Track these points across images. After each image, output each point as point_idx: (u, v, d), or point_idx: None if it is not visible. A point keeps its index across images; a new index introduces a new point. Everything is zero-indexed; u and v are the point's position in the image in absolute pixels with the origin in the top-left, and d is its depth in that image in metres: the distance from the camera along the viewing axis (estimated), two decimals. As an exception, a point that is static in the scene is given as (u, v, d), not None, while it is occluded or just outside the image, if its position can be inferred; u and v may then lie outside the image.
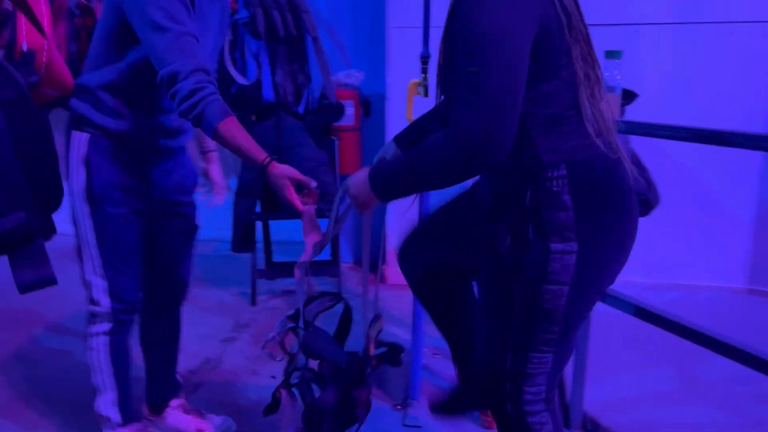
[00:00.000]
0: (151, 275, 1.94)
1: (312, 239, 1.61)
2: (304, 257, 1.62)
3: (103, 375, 1.84)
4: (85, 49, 2.97)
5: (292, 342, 1.65)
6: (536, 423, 1.38)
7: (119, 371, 1.86)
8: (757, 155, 3.15)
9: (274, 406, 1.69)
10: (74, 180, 1.72)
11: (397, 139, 1.67)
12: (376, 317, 1.69)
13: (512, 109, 1.14)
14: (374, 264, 2.15)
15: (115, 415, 1.87)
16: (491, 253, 1.37)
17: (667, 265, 3.36)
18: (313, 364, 1.67)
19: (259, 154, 1.55)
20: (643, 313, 1.83)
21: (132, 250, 1.81)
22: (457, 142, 1.16)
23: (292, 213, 1.62)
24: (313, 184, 1.57)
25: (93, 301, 1.79)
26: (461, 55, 1.16)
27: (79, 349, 2.72)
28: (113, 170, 1.72)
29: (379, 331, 1.69)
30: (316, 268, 3.55)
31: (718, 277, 3.33)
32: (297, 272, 1.63)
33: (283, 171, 1.55)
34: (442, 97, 1.43)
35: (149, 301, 1.98)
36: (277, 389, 1.67)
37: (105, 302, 1.78)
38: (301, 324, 1.64)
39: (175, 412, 2.10)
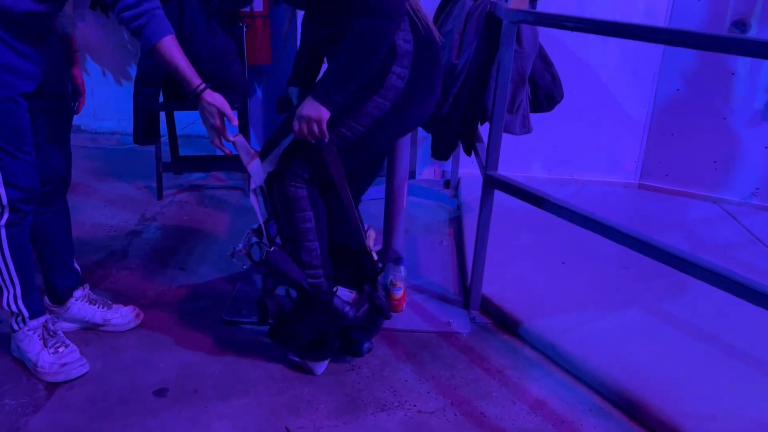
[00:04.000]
0: None
1: (254, 163, 1.75)
2: (255, 183, 1.77)
3: (8, 270, 1.79)
4: None
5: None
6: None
7: (21, 265, 1.81)
8: (656, 56, 3.28)
9: (264, 315, 1.86)
10: None
11: (291, 81, 2.02)
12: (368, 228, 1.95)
13: None
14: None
15: (23, 310, 1.85)
16: None
17: (564, 160, 3.53)
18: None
19: (195, 78, 1.63)
20: (535, 199, 1.93)
21: (25, 135, 1.71)
22: (378, 12, 1.51)
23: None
24: (235, 121, 1.71)
25: None
26: None
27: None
28: (1, 47, 1.60)
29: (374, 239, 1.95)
30: (225, 163, 3.48)
31: (613, 173, 3.54)
32: (252, 198, 1.80)
33: (215, 100, 1.66)
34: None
35: None
36: (262, 299, 1.84)
37: (1, 192, 1.69)
38: (264, 240, 1.82)
39: (79, 303, 2.07)
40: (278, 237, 1.86)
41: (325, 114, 1.59)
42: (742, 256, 2.74)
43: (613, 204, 3.31)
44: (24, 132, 1.70)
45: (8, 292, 1.83)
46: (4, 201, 1.71)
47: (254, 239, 1.83)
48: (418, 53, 1.68)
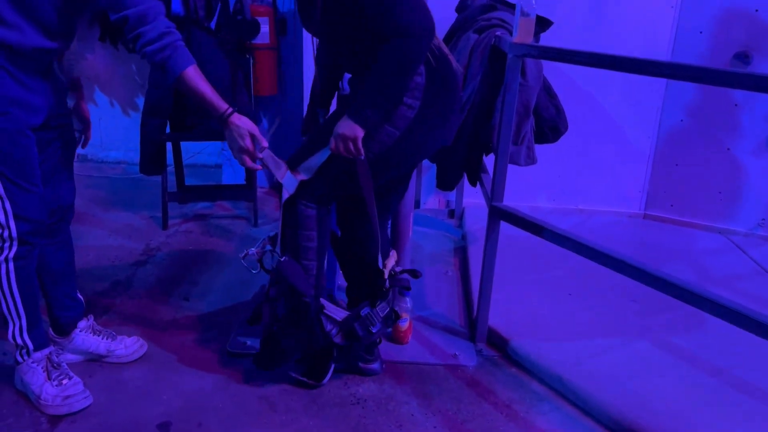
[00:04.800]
0: None
1: (287, 174, 1.81)
2: (288, 193, 1.82)
3: (15, 303, 1.79)
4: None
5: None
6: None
7: (28, 297, 1.81)
8: (659, 88, 3.30)
9: (256, 317, 1.94)
10: None
11: (314, 104, 2.16)
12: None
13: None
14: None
15: (28, 343, 1.84)
16: None
17: (569, 190, 3.53)
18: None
19: (221, 103, 1.69)
20: (542, 231, 1.93)
21: (34, 167, 1.72)
22: (409, 34, 1.57)
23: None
24: (265, 142, 1.75)
25: None
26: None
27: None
28: (7, 84, 1.62)
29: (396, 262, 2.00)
30: (231, 192, 3.50)
31: (618, 203, 3.54)
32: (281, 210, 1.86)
33: (244, 122, 1.71)
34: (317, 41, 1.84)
35: None
36: (260, 304, 1.91)
37: (11, 225, 1.70)
38: (278, 249, 1.89)
39: (83, 334, 2.06)
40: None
41: (360, 132, 1.67)
42: (749, 287, 2.72)
43: (619, 234, 3.31)
44: (33, 164, 1.71)
45: (14, 325, 1.82)
46: (14, 234, 1.71)
47: (268, 247, 1.91)
48: (430, 85, 1.73)
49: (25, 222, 1.71)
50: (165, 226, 3.24)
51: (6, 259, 1.73)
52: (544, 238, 1.94)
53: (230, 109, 1.70)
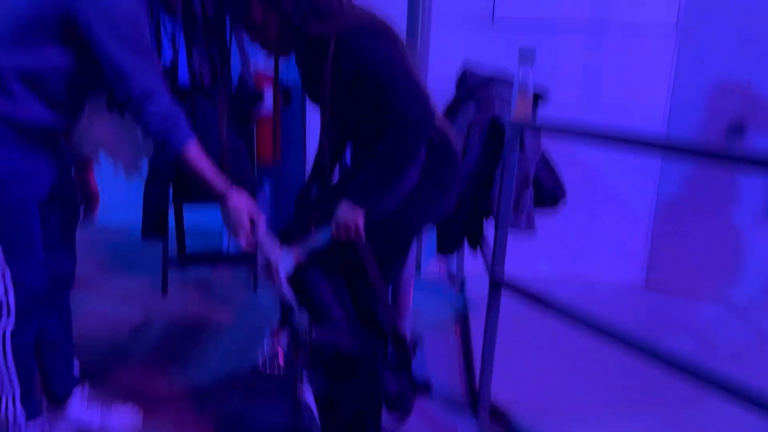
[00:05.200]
0: None
1: (283, 255, 1.75)
2: (283, 273, 1.75)
3: (9, 374, 1.77)
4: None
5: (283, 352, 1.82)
6: None
7: (23, 368, 1.79)
8: (657, 158, 3.35)
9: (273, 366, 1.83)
10: None
11: (315, 177, 2.04)
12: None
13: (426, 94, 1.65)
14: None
15: (20, 412, 1.81)
16: None
17: (569, 260, 3.53)
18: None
19: (220, 182, 1.66)
20: (544, 304, 1.92)
21: (36, 237, 1.73)
22: (410, 124, 1.59)
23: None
24: (263, 225, 1.72)
25: None
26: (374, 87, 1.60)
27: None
28: (15, 156, 1.64)
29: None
30: (233, 261, 3.50)
31: (618, 273, 3.53)
32: (285, 287, 1.77)
33: (243, 204, 1.68)
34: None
35: None
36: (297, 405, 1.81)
37: (10, 293, 1.69)
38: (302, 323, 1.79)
39: (78, 403, 2.02)
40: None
41: (360, 217, 1.68)
42: (754, 358, 2.68)
43: (620, 305, 3.29)
44: (35, 235, 1.72)
45: (6, 396, 1.79)
46: (12, 303, 1.71)
47: (281, 340, 1.81)
48: (429, 160, 1.76)
49: (25, 290, 1.71)
50: (165, 291, 3.23)
51: (3, 334, 1.72)
52: (547, 312, 1.93)
53: (230, 189, 1.67)
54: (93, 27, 1.51)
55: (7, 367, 1.75)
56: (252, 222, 1.71)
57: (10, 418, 1.81)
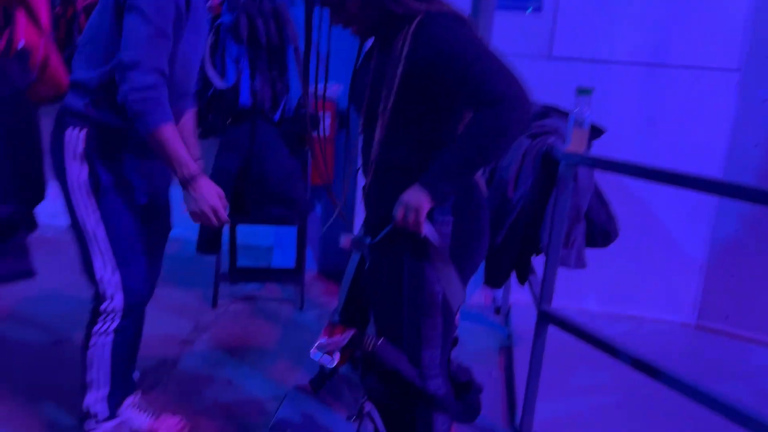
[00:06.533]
0: None
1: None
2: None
3: (100, 372, 1.85)
4: (64, 39, 2.96)
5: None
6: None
7: (118, 367, 1.87)
8: (712, 197, 3.28)
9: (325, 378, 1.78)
10: (73, 175, 1.72)
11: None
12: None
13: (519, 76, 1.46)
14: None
15: (102, 410, 1.89)
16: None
17: (620, 295, 3.47)
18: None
19: (192, 165, 1.65)
20: (592, 339, 1.90)
21: (140, 242, 1.83)
22: (510, 105, 1.41)
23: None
24: (227, 205, 1.74)
25: (103, 297, 1.80)
26: (456, 72, 1.45)
27: (31, 337, 2.70)
28: (116, 164, 1.75)
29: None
30: (280, 275, 3.58)
31: (669, 311, 3.45)
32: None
33: (213, 188, 1.69)
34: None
35: None
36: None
37: (118, 297, 1.79)
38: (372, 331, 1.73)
39: (129, 410, 2.09)
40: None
41: (425, 203, 1.50)
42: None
43: (670, 345, 3.20)
44: (140, 240, 1.82)
45: (94, 393, 1.88)
46: (122, 305, 1.80)
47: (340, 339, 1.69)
48: (457, 201, 1.61)
49: (132, 294, 1.80)
50: (215, 305, 3.31)
51: (106, 332, 1.81)
52: (595, 347, 1.91)
53: (201, 173, 1.68)
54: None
55: (100, 367, 1.84)
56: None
57: (92, 412, 1.89)
